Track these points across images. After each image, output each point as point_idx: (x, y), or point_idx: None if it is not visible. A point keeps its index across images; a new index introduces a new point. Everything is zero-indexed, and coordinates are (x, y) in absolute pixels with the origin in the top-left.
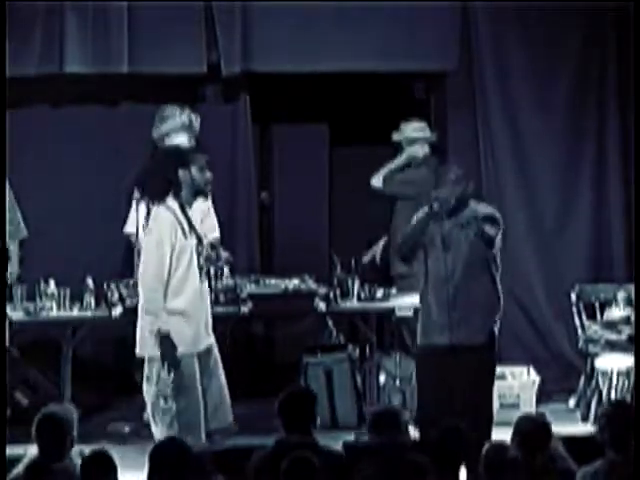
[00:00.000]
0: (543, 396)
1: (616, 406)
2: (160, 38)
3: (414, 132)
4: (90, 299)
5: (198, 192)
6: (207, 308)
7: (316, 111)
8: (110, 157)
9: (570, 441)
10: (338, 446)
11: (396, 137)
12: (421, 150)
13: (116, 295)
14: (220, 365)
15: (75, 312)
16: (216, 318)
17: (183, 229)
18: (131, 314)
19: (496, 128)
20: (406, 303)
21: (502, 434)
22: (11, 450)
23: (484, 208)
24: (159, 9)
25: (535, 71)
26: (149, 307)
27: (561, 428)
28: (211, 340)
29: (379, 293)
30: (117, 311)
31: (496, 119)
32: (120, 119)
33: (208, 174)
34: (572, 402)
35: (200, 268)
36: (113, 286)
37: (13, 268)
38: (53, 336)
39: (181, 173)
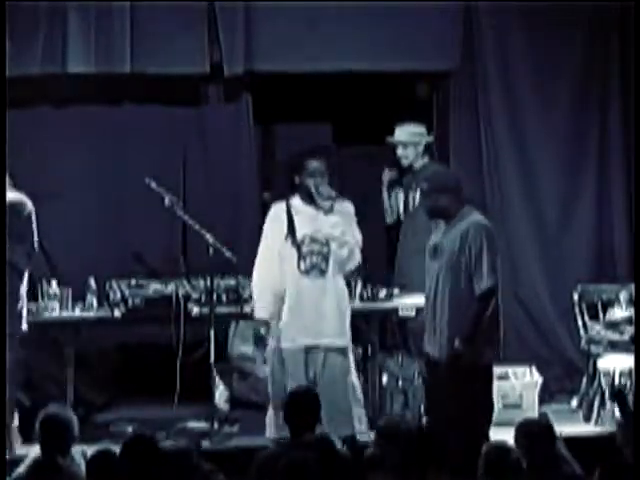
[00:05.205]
0: (545, 396)
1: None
2: (163, 38)
3: (406, 136)
4: (92, 299)
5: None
6: (310, 308)
7: (319, 111)
8: (112, 157)
9: (572, 441)
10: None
11: (390, 140)
12: (413, 153)
13: (118, 295)
14: (341, 371)
15: (77, 312)
16: (218, 317)
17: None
18: (133, 313)
19: (498, 127)
20: (408, 303)
21: (504, 434)
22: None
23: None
24: (161, 9)
25: (538, 70)
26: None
27: (563, 428)
28: (323, 341)
29: (382, 293)
30: (119, 311)
31: (498, 118)
32: (123, 119)
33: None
34: (574, 402)
35: (307, 268)
36: (115, 286)
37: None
38: (55, 336)
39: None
